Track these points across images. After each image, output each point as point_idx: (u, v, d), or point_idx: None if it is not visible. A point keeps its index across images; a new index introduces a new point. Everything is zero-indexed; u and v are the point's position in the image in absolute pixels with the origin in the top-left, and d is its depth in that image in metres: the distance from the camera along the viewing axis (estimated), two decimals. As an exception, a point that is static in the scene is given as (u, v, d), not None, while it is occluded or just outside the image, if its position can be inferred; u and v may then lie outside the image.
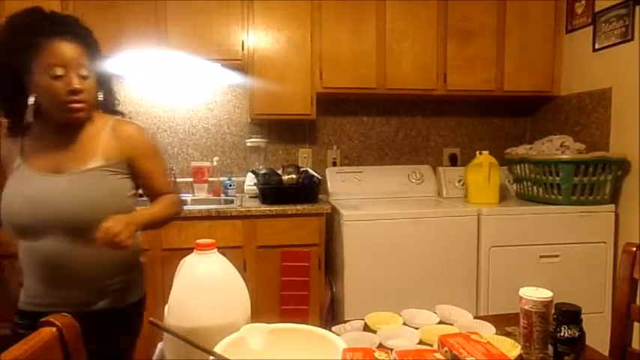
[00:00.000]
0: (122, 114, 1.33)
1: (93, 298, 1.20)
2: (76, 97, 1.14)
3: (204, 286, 0.82)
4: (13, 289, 1.27)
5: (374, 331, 1.06)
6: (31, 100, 1.14)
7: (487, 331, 1.05)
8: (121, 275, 1.25)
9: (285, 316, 2.33)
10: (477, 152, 2.61)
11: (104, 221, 1.07)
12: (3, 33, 1.15)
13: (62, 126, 1.20)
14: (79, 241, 1.15)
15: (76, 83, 1.13)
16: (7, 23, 1.15)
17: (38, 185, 1.17)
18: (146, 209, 1.26)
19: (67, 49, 1.13)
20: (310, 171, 2.51)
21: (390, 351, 0.79)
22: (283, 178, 2.45)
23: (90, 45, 1.19)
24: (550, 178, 2.40)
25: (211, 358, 0.67)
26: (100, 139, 1.23)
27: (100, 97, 1.26)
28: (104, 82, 1.27)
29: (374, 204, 2.55)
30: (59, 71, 1.12)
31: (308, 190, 2.46)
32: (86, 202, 1.16)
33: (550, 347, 0.89)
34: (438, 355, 0.76)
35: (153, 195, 1.32)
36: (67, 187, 1.16)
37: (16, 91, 1.14)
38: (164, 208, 1.29)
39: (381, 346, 0.97)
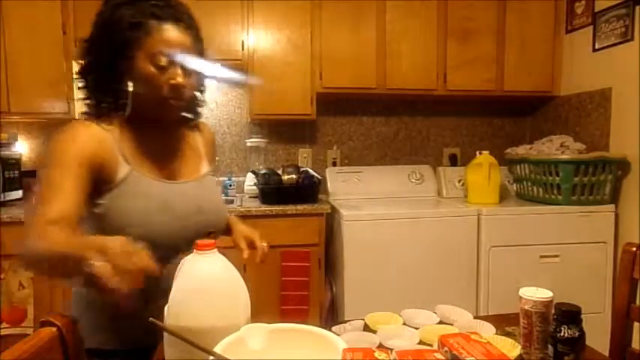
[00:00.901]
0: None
1: None
2: (177, 95, 1.00)
3: (204, 286, 0.82)
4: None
5: (374, 331, 1.06)
6: (130, 86, 0.97)
7: (487, 331, 1.05)
8: None
9: (285, 316, 2.33)
10: (477, 152, 2.61)
11: (245, 233, 1.11)
12: (107, 5, 0.98)
13: (162, 125, 1.07)
14: None
15: (181, 78, 0.99)
16: None
17: (172, 196, 1.03)
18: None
19: (180, 38, 0.98)
20: (310, 171, 2.51)
21: (390, 351, 0.79)
22: (283, 178, 2.45)
23: (199, 39, 1.05)
24: (550, 178, 2.40)
25: (211, 358, 0.67)
26: (197, 141, 1.17)
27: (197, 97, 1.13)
28: (202, 83, 1.13)
29: (374, 204, 2.55)
30: (165, 61, 0.96)
31: (308, 190, 2.45)
32: (221, 208, 1.14)
33: (550, 347, 0.89)
34: (438, 355, 0.75)
35: None
36: (203, 194, 1.09)
37: (109, 76, 0.98)
38: None
39: (381, 346, 0.97)
